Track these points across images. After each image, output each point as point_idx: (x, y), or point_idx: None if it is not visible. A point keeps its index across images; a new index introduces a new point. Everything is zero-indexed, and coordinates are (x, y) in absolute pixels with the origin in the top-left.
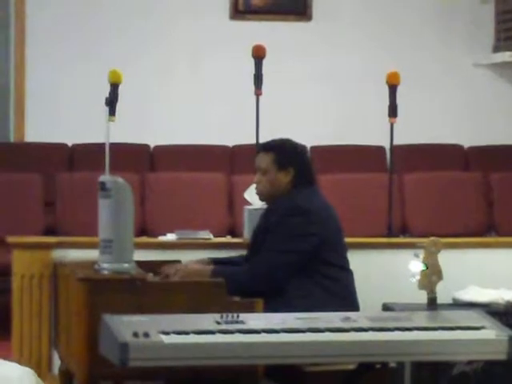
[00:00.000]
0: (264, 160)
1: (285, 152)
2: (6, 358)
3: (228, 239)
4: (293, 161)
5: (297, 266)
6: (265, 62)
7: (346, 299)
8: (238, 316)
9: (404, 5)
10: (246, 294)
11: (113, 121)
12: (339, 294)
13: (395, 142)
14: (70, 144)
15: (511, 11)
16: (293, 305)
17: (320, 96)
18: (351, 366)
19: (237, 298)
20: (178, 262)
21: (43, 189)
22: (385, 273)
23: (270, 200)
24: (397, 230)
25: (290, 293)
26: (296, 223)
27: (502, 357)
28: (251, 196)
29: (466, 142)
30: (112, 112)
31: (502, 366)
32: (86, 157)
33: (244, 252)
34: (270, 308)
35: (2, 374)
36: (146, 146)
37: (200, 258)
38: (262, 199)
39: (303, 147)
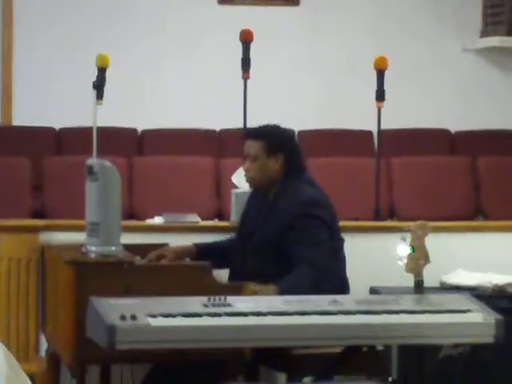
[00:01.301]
0: (253, 147)
1: (274, 138)
2: None
3: (215, 222)
4: (282, 147)
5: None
6: (252, 46)
7: (342, 286)
8: (225, 299)
9: None
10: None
11: (100, 104)
12: (337, 279)
13: (383, 127)
14: (57, 128)
15: None
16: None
17: (307, 80)
18: (338, 349)
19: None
20: (166, 245)
21: (31, 172)
22: (372, 256)
23: (261, 187)
24: (384, 213)
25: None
26: (316, 215)
27: (489, 340)
28: (238, 180)
29: (453, 126)
30: (99, 96)
31: (488, 349)
32: (73, 140)
33: (230, 235)
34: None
35: None
36: (134, 130)
37: (184, 244)
38: (252, 186)
39: (292, 133)
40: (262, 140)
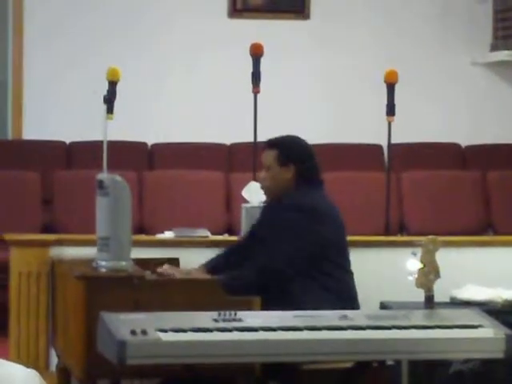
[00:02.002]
0: (268, 156)
1: (287, 148)
2: (4, 355)
3: (226, 237)
4: (295, 158)
5: (298, 262)
6: (263, 60)
7: (348, 301)
8: (235, 314)
9: (402, 4)
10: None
11: (111, 119)
12: (343, 295)
13: (393, 141)
14: (67, 142)
15: (509, 10)
16: (296, 306)
17: (318, 94)
18: (348, 364)
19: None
20: (176, 259)
21: (41, 186)
22: (382, 271)
23: (273, 196)
24: (394, 228)
25: (293, 294)
26: (298, 219)
27: (499, 355)
28: (249, 194)
29: (464, 140)
30: (110, 110)
31: (498, 364)
32: (83, 155)
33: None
34: (272, 308)
35: (5, 375)
36: (144, 144)
37: (197, 268)
38: (266, 196)
39: (307, 145)
40: (275, 150)
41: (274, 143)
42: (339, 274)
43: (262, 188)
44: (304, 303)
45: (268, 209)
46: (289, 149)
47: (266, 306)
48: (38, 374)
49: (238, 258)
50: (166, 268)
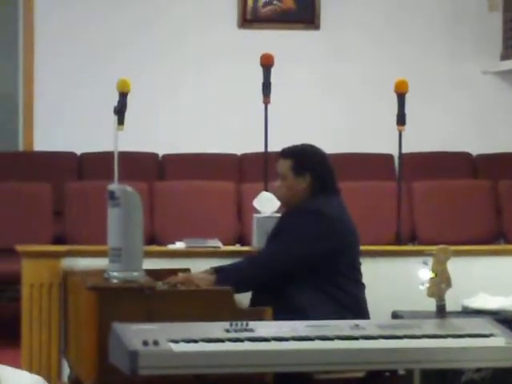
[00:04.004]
0: (282, 166)
1: (302, 158)
2: (16, 366)
3: (237, 247)
4: (310, 167)
5: (303, 265)
6: (273, 70)
7: (358, 313)
8: (247, 324)
9: (412, 14)
10: (254, 288)
11: (121, 130)
12: (352, 307)
13: (404, 150)
14: (78, 153)
15: None
16: (305, 316)
17: (328, 104)
18: (360, 374)
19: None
20: (187, 270)
21: (52, 198)
22: (394, 280)
23: (289, 206)
24: (406, 237)
25: (302, 304)
26: (310, 225)
27: (511, 364)
28: (260, 204)
29: (475, 149)
30: (121, 121)
31: (510, 373)
32: (94, 166)
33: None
34: (281, 319)
35: (13, 382)
36: (155, 155)
37: (204, 270)
38: (282, 205)
39: (322, 154)
40: (290, 159)
41: (289, 152)
42: (349, 286)
43: (278, 197)
44: (312, 315)
45: (284, 217)
46: (304, 158)
47: (274, 317)
48: (44, 381)
49: None
50: (179, 275)
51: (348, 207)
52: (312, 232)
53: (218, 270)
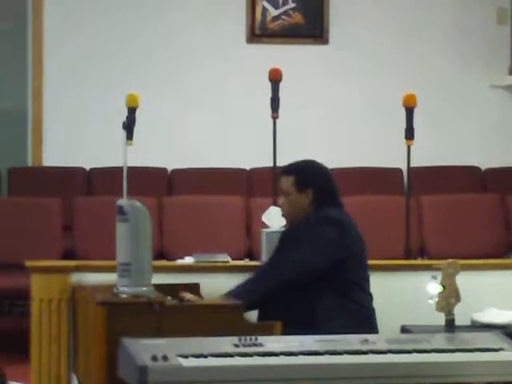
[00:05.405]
0: (285, 182)
1: (304, 174)
2: (25, 381)
3: (246, 262)
4: (312, 182)
5: (315, 271)
6: (281, 85)
7: (368, 324)
8: (256, 339)
9: (420, 28)
10: (264, 301)
11: (130, 145)
12: (363, 319)
13: (412, 164)
14: (87, 168)
15: None
16: (317, 328)
17: (337, 118)
18: None
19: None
20: (196, 285)
21: (61, 213)
22: (403, 295)
23: (293, 222)
24: (414, 252)
25: (315, 315)
26: (325, 231)
27: None
28: (269, 219)
29: (483, 163)
30: (129, 136)
31: None
32: (103, 181)
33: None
34: (294, 330)
35: None
36: (164, 170)
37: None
38: (287, 222)
39: (324, 169)
40: (292, 175)
41: (291, 169)
42: (361, 296)
43: (282, 214)
44: (323, 326)
45: (289, 232)
46: (306, 174)
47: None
48: None
49: None
50: (189, 296)
51: (356, 221)
52: (329, 237)
53: (229, 293)
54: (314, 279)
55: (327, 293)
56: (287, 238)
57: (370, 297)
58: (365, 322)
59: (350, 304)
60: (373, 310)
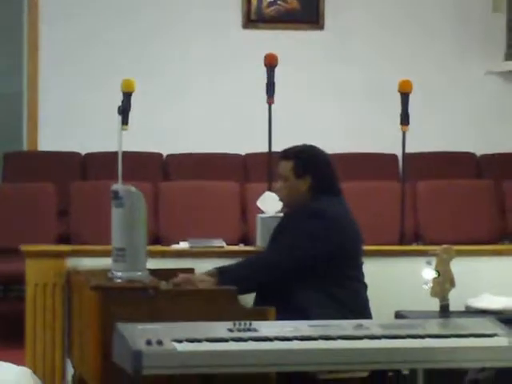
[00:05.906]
0: (284, 167)
1: (303, 159)
2: (20, 365)
3: (241, 247)
4: (311, 168)
5: (304, 266)
6: (277, 70)
7: (359, 313)
8: (250, 324)
9: (415, 15)
10: (256, 288)
11: (125, 129)
12: (353, 307)
13: (407, 150)
14: (82, 153)
15: None
16: (307, 315)
17: (332, 104)
18: (364, 374)
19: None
20: (191, 270)
21: (56, 197)
22: (397, 280)
23: (290, 207)
24: (409, 237)
25: (303, 304)
26: (312, 225)
27: None
28: (264, 204)
29: (479, 149)
30: (125, 121)
31: None
32: (98, 165)
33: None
34: (284, 318)
35: None
36: (159, 155)
37: (207, 271)
38: (283, 206)
39: (324, 155)
40: (291, 160)
41: (290, 154)
42: (352, 285)
43: (279, 198)
44: (314, 314)
45: (287, 217)
46: (305, 160)
47: (277, 317)
48: (30, 372)
49: None
50: (180, 276)
51: (351, 207)
52: (315, 232)
53: (220, 271)
54: (304, 268)
55: (317, 281)
56: (283, 227)
57: (363, 285)
58: (358, 311)
59: (342, 294)
60: (366, 300)
